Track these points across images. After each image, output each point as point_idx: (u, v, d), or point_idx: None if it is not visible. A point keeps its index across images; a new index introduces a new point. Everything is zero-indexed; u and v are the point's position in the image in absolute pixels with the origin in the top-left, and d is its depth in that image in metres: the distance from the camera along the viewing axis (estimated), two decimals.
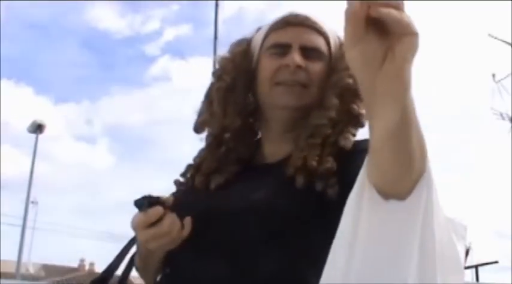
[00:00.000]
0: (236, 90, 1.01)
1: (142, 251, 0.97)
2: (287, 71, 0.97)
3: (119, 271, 1.05)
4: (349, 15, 0.57)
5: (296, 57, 0.96)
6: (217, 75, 1.03)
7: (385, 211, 0.65)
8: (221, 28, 9.31)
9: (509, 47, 14.51)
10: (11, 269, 14.25)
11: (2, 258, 14.01)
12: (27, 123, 13.30)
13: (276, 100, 0.98)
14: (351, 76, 0.94)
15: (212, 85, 1.04)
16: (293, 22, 1.01)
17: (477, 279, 15.51)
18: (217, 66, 1.05)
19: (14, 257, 13.08)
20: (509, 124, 14.88)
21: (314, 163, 0.91)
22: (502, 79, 14.89)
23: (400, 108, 0.60)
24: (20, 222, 12.96)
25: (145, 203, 0.89)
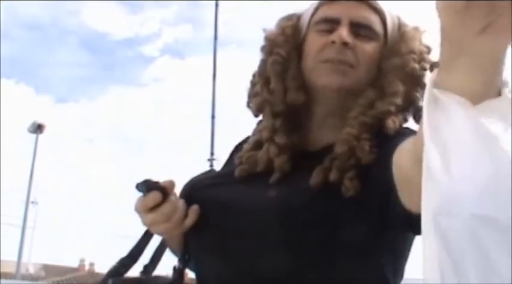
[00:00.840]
0: (292, 64, 0.92)
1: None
2: (333, 49, 0.88)
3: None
4: None
5: (343, 33, 0.87)
6: (268, 49, 0.94)
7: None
8: (220, 29, 9.29)
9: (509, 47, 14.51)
10: (11, 269, 14.26)
11: (2, 258, 14.01)
12: (28, 123, 13.32)
13: (318, 79, 0.89)
14: (416, 60, 0.88)
15: (264, 61, 0.94)
16: None
17: None
18: (264, 42, 0.96)
19: (14, 257, 13.11)
20: None
21: (367, 147, 0.83)
22: None
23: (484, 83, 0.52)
24: (20, 222, 12.99)
25: (143, 187, 0.88)
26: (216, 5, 9.85)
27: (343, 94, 0.89)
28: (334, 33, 0.89)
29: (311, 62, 0.91)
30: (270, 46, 0.94)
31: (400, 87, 0.88)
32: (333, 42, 0.88)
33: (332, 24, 0.90)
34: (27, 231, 13.94)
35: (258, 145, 0.94)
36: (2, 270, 14.54)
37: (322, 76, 0.89)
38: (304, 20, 0.96)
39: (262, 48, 0.95)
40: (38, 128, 13.10)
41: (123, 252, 1.07)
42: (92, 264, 23.09)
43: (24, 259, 14.92)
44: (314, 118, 0.94)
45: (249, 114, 1.00)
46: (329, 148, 0.87)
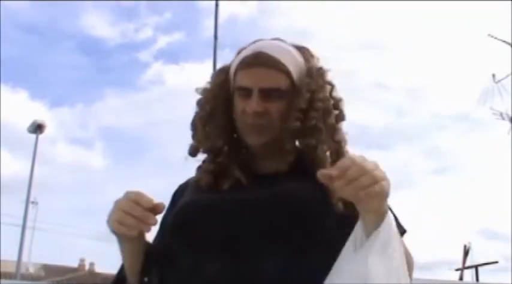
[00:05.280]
0: (215, 115, 1.14)
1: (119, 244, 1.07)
2: (248, 116, 1.09)
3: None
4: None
5: (253, 104, 1.08)
6: (200, 104, 1.17)
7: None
8: (213, 32, 9.31)
9: (509, 47, 14.50)
10: (11, 269, 14.25)
11: (2, 258, 14.02)
12: (27, 124, 13.30)
13: (244, 137, 1.12)
14: (299, 118, 1.09)
15: (196, 114, 1.17)
16: (254, 63, 1.11)
17: (477, 279, 15.51)
18: (199, 97, 1.18)
19: (14, 257, 13.09)
20: (509, 124, 14.88)
21: None
22: (502, 79, 14.90)
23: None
24: (20, 222, 12.98)
25: None
26: (216, 5, 9.87)
27: (266, 145, 1.11)
28: (248, 101, 1.09)
29: (238, 120, 1.13)
30: (201, 101, 1.17)
31: (290, 145, 1.11)
32: (247, 111, 1.09)
33: (246, 91, 1.10)
34: (27, 231, 13.93)
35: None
36: (2, 270, 14.54)
37: (246, 136, 1.12)
38: (231, 77, 1.16)
39: (196, 103, 1.18)
40: (38, 128, 13.08)
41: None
42: (92, 264, 23.09)
43: (24, 259, 14.92)
44: (254, 152, 1.15)
45: None
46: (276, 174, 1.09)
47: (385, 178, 0.88)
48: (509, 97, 14.61)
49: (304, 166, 1.07)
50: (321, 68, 1.15)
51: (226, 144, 1.14)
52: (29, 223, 14.27)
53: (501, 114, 14.85)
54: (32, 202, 15.93)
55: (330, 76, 1.15)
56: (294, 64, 1.12)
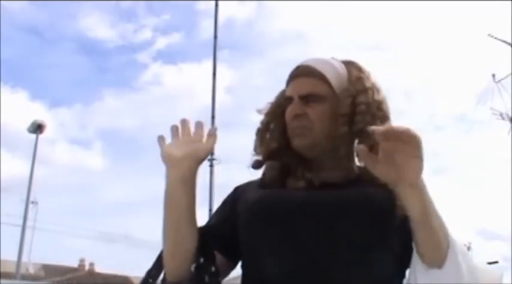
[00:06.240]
0: (272, 128, 1.24)
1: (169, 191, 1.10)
2: (291, 120, 1.19)
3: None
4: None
5: (291, 108, 1.18)
6: (260, 122, 1.28)
7: (429, 278, 1.01)
8: (213, 33, 9.33)
9: (509, 47, 14.51)
10: (11, 269, 14.26)
11: (2, 258, 14.04)
12: (26, 124, 13.28)
13: (292, 143, 1.19)
14: (345, 123, 1.14)
15: (257, 129, 1.27)
16: (296, 75, 1.22)
17: None
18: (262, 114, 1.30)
19: (14, 257, 13.08)
20: (509, 124, 14.89)
21: None
22: (502, 79, 14.91)
23: (421, 207, 0.98)
24: (20, 222, 12.97)
25: None
26: (216, 5, 9.88)
27: (309, 149, 1.17)
28: (290, 107, 1.19)
29: (287, 128, 1.21)
30: (262, 118, 1.27)
31: (343, 150, 1.17)
32: (289, 116, 1.19)
33: (290, 100, 1.20)
34: (27, 231, 13.91)
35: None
36: (2, 270, 14.55)
37: (292, 141, 1.19)
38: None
39: (260, 122, 1.28)
40: (38, 128, 13.07)
41: (123, 252, 1.07)
42: (92, 264, 23.09)
43: (24, 259, 14.90)
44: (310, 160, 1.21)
45: (246, 118, 1.18)
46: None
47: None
48: (509, 97, 14.63)
49: (363, 173, 1.12)
50: (360, 76, 1.21)
51: (282, 148, 1.20)
52: (29, 223, 14.27)
53: (501, 114, 14.87)
54: (32, 202, 15.91)
55: (371, 82, 1.21)
56: (333, 73, 1.20)
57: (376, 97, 1.18)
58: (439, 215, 1.01)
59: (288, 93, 1.21)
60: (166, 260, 1.11)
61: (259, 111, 1.28)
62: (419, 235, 1.00)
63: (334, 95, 1.17)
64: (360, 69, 1.23)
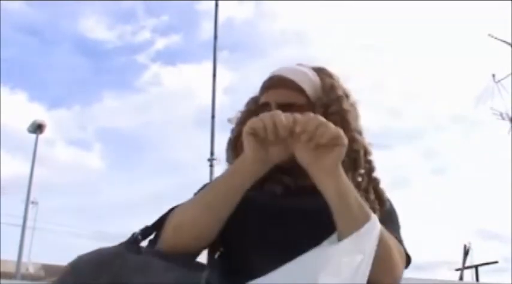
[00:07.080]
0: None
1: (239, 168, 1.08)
2: None
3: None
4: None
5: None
6: (231, 130, 1.29)
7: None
8: (212, 34, 9.33)
9: (509, 47, 14.53)
10: (11, 269, 14.26)
11: (2, 258, 14.03)
12: (26, 124, 13.26)
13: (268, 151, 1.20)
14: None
15: (228, 139, 1.29)
16: (271, 85, 1.24)
17: (477, 279, 15.52)
18: (232, 123, 1.31)
19: (14, 257, 13.12)
20: (509, 124, 14.90)
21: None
22: (502, 79, 14.93)
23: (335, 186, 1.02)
24: (20, 222, 12.99)
25: None
26: (216, 5, 9.87)
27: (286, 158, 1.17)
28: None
29: None
30: (234, 128, 1.28)
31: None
32: None
33: (266, 106, 1.21)
34: (27, 231, 13.93)
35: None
36: (2, 270, 14.53)
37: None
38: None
39: (231, 131, 1.29)
40: (38, 128, 13.06)
41: None
42: None
43: (24, 259, 14.93)
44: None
45: None
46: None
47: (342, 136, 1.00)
48: (509, 97, 14.65)
49: None
50: (332, 84, 1.24)
51: None
52: (29, 223, 14.31)
53: (501, 114, 14.89)
54: (32, 202, 15.92)
55: (342, 89, 1.24)
56: (308, 83, 1.22)
57: (346, 105, 1.23)
58: (356, 197, 1.04)
59: (264, 100, 1.23)
60: (184, 227, 1.07)
61: (229, 121, 1.30)
62: (336, 214, 1.02)
63: (310, 105, 1.20)
64: (331, 76, 1.27)
